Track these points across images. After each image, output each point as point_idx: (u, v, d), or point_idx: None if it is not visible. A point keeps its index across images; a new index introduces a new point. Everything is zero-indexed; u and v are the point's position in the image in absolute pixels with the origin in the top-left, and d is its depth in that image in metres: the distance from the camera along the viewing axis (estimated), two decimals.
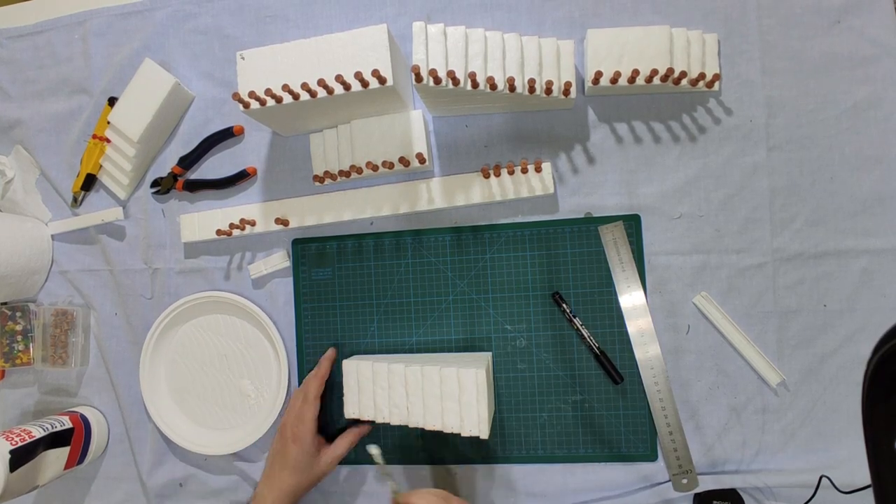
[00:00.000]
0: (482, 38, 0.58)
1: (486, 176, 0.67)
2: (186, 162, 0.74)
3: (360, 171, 0.67)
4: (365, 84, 0.58)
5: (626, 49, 0.62)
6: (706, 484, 0.64)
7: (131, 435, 0.77)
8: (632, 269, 0.66)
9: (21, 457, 0.65)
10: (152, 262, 0.76)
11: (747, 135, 0.65)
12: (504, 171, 0.67)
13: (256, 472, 0.74)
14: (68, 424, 0.72)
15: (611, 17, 0.67)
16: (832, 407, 0.64)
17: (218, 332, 0.75)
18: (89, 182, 0.77)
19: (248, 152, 0.74)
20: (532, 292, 0.68)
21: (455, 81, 0.56)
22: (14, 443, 0.65)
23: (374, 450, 0.62)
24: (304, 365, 0.73)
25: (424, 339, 0.70)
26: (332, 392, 0.71)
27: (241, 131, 0.74)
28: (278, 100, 0.60)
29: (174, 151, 0.75)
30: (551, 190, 0.66)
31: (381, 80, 0.58)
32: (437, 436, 0.68)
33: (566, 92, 0.61)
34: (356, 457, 0.71)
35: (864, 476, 0.53)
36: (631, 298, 0.66)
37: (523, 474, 0.69)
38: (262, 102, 0.60)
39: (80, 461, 0.74)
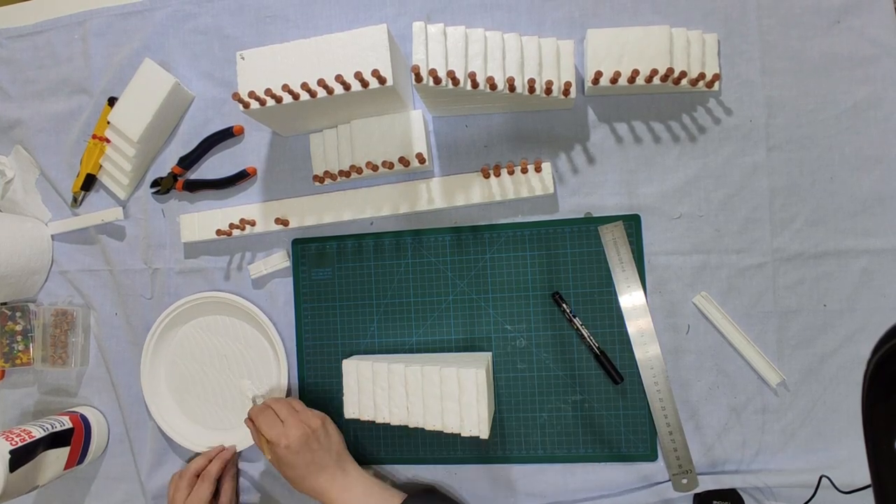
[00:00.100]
0: (482, 38, 0.58)
1: (486, 176, 0.67)
2: (186, 162, 0.74)
3: (360, 171, 0.67)
4: (365, 84, 0.58)
5: (625, 49, 0.62)
6: (706, 484, 0.64)
7: (131, 435, 0.77)
8: (632, 269, 0.66)
9: (21, 457, 0.65)
10: (152, 262, 0.76)
11: (747, 135, 0.65)
12: (504, 171, 0.67)
13: (256, 473, 0.74)
14: (68, 424, 0.72)
15: (611, 17, 0.67)
16: (832, 407, 0.64)
17: (218, 332, 0.75)
18: (89, 182, 0.77)
19: (248, 152, 0.74)
20: (532, 292, 0.68)
21: (455, 81, 0.56)
22: (14, 443, 0.65)
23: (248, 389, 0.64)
24: (304, 365, 0.73)
25: (424, 339, 0.70)
26: (332, 393, 0.71)
27: (241, 131, 0.74)
28: (278, 100, 0.60)
29: (174, 151, 0.75)
30: (551, 190, 0.66)
31: (381, 80, 0.58)
32: (438, 436, 0.69)
33: (566, 92, 0.61)
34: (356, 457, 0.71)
35: (864, 476, 0.53)
36: (631, 298, 0.66)
37: (523, 474, 0.69)
38: (262, 102, 0.60)
39: (80, 461, 0.74)
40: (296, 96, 0.60)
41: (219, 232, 0.72)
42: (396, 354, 0.70)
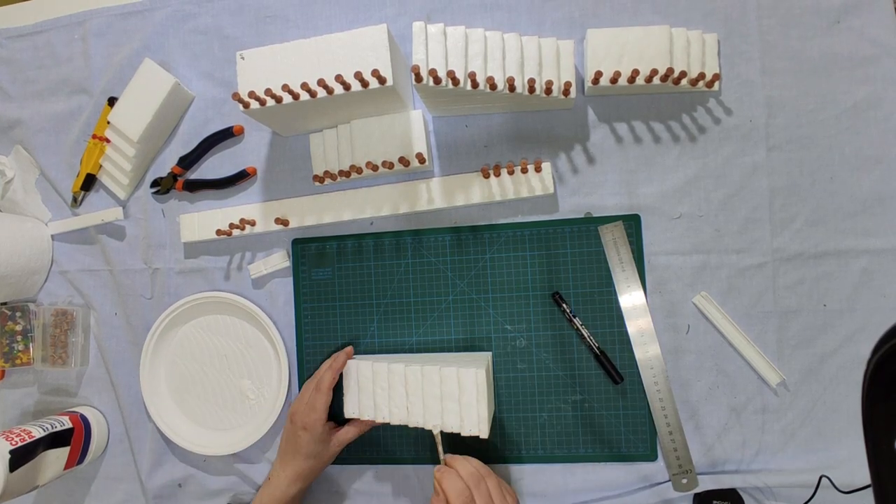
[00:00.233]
0: (482, 38, 0.58)
1: (486, 176, 0.67)
2: (186, 162, 0.74)
3: (359, 171, 0.67)
4: (365, 84, 0.58)
5: (625, 49, 0.62)
6: (706, 484, 0.64)
7: (131, 435, 0.77)
8: (632, 269, 0.66)
9: (21, 457, 0.65)
10: (152, 262, 0.76)
11: (747, 135, 0.65)
12: (504, 171, 0.67)
13: (256, 473, 0.74)
14: (68, 424, 0.72)
15: (611, 17, 0.67)
16: (832, 407, 0.64)
17: (218, 332, 0.75)
18: (89, 182, 0.77)
19: (248, 152, 0.74)
20: (532, 292, 0.68)
21: (455, 81, 0.56)
22: (14, 443, 0.65)
23: (436, 431, 0.61)
24: (304, 365, 0.73)
25: (424, 339, 0.70)
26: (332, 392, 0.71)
27: (241, 131, 0.74)
28: (278, 100, 0.60)
29: (174, 151, 0.75)
30: (551, 190, 0.66)
31: (381, 80, 0.58)
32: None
33: (566, 92, 0.61)
34: (356, 457, 0.71)
35: (864, 476, 0.53)
36: (631, 298, 0.66)
37: (523, 474, 0.69)
38: (262, 102, 0.60)
39: (80, 461, 0.74)
40: (296, 96, 0.60)
41: (219, 232, 0.72)
42: (396, 354, 0.70)
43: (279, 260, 0.73)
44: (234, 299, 0.73)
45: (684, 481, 0.64)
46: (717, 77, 0.62)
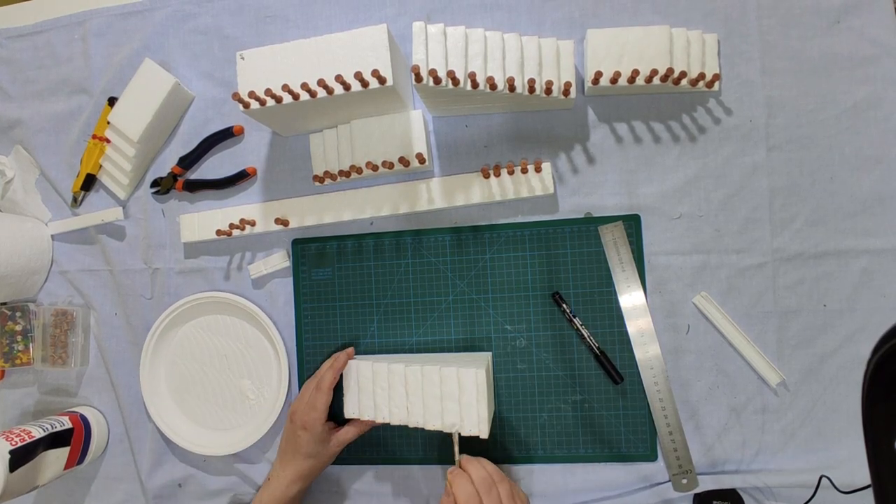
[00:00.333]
0: (482, 38, 0.58)
1: (486, 176, 0.67)
2: (186, 162, 0.74)
3: (360, 171, 0.67)
4: (365, 84, 0.58)
5: (625, 49, 0.62)
6: (706, 484, 0.64)
7: (131, 435, 0.77)
8: (632, 269, 0.66)
9: (21, 457, 0.65)
10: (152, 262, 0.76)
11: (747, 135, 0.65)
12: (504, 171, 0.67)
13: (256, 474, 0.74)
14: (68, 424, 0.72)
15: (611, 17, 0.67)
16: (832, 407, 0.64)
17: (218, 332, 0.75)
18: (89, 182, 0.77)
19: (248, 152, 0.74)
20: (532, 292, 0.68)
21: (455, 81, 0.56)
22: (14, 443, 0.65)
23: (454, 431, 0.61)
24: (304, 365, 0.73)
25: (424, 339, 0.70)
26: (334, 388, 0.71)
27: (241, 131, 0.74)
28: (278, 100, 0.60)
29: (174, 151, 0.75)
30: (551, 190, 0.66)
31: (381, 80, 0.58)
32: (437, 436, 0.69)
33: (566, 92, 0.61)
34: (356, 457, 0.71)
35: (864, 476, 0.53)
36: (631, 298, 0.66)
37: (523, 474, 0.69)
38: (262, 102, 0.60)
39: (80, 461, 0.74)
40: (296, 96, 0.60)
41: (219, 232, 0.72)
42: (396, 354, 0.70)
43: (279, 260, 0.73)
44: (234, 299, 0.73)
45: (684, 481, 0.64)
46: (717, 77, 0.62)
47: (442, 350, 0.70)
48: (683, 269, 0.66)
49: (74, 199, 0.78)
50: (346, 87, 0.59)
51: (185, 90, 0.74)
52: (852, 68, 0.63)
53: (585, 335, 0.66)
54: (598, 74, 0.61)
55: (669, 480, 0.65)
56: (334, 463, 0.69)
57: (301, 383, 0.72)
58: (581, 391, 0.67)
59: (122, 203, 0.77)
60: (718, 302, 0.65)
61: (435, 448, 0.70)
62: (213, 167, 0.75)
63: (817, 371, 0.64)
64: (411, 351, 0.71)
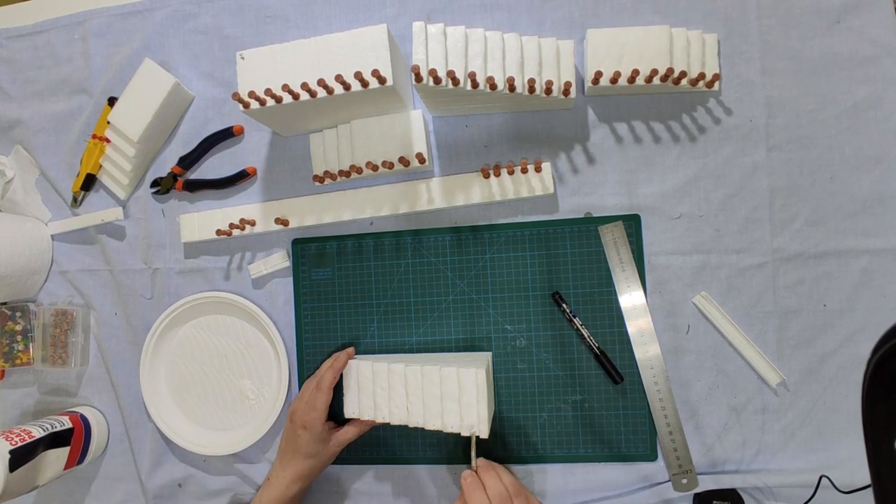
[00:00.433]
0: (482, 38, 0.58)
1: (486, 176, 0.67)
2: (186, 162, 0.74)
3: (360, 171, 0.67)
4: (365, 84, 0.58)
5: (625, 49, 0.62)
6: (706, 484, 0.64)
7: (131, 435, 0.77)
8: (632, 269, 0.66)
9: (21, 457, 0.65)
10: (152, 262, 0.76)
11: (747, 135, 0.65)
12: (504, 171, 0.67)
13: (256, 474, 0.74)
14: (68, 424, 0.72)
15: (611, 17, 0.67)
16: (832, 407, 0.64)
17: (218, 332, 0.75)
18: (89, 182, 0.77)
19: (248, 152, 0.74)
20: (532, 292, 0.68)
21: (455, 81, 0.56)
22: (14, 443, 0.65)
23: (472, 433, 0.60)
24: (304, 365, 0.73)
25: (424, 339, 0.70)
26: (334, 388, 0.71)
27: (241, 131, 0.74)
28: (278, 100, 0.60)
29: (174, 151, 0.75)
30: (551, 190, 0.66)
31: (381, 80, 0.58)
32: (437, 435, 0.69)
33: (566, 92, 0.61)
34: (356, 457, 0.71)
35: (864, 476, 0.53)
36: (631, 298, 0.66)
37: (523, 474, 0.68)
38: (262, 102, 0.60)
39: (80, 461, 0.74)
40: (296, 96, 0.60)
41: (219, 232, 0.72)
42: (396, 354, 0.70)
43: (279, 260, 0.73)
44: (234, 299, 0.73)
45: (684, 481, 0.64)
46: (717, 77, 0.62)
47: (442, 350, 0.70)
48: (683, 269, 0.66)
49: (74, 199, 0.78)
50: (346, 87, 0.59)
51: (185, 90, 0.74)
52: (852, 68, 0.63)
53: (585, 335, 0.66)
54: (598, 74, 0.61)
55: (669, 480, 0.65)
56: (334, 463, 0.69)
57: (301, 383, 0.72)
58: (581, 391, 0.67)
59: (122, 203, 0.77)
60: (718, 302, 0.65)
61: (435, 447, 0.70)
62: (213, 167, 0.75)
63: (817, 371, 0.64)
64: (411, 351, 0.71)
